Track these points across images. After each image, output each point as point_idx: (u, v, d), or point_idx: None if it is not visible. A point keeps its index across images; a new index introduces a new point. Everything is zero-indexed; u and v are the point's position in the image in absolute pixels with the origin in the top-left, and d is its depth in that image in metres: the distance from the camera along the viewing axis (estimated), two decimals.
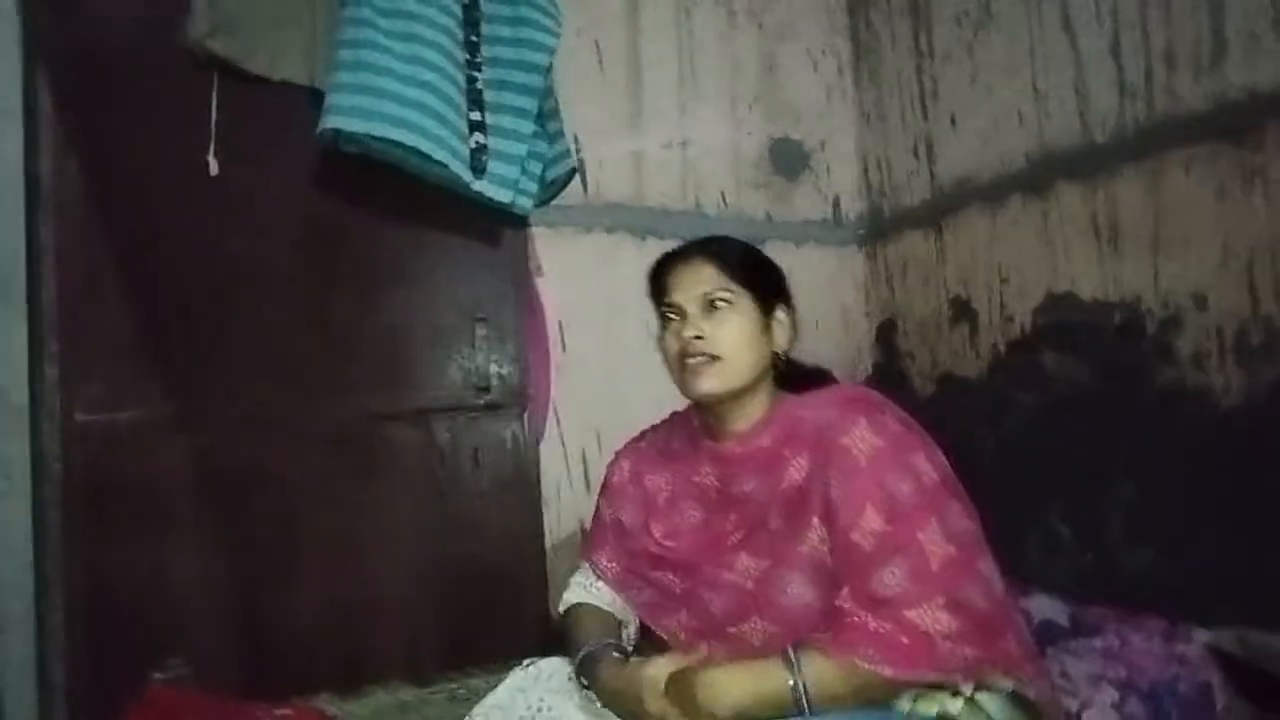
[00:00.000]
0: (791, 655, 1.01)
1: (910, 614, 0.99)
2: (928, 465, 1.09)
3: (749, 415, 1.19)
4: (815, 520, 1.08)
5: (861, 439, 1.08)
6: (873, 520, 1.04)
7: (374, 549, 1.94)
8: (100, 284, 1.78)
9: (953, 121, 2.26)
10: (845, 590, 1.03)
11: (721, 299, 1.16)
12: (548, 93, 2.05)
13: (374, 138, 1.77)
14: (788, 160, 2.50)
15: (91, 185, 1.78)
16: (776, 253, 2.34)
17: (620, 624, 1.25)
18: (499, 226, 2.07)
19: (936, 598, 0.99)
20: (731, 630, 1.13)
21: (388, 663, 1.89)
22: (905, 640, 0.98)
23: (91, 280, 1.77)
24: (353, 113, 1.76)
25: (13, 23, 1.71)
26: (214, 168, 1.84)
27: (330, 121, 1.75)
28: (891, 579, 1.01)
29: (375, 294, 2.00)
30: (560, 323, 2.17)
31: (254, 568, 1.84)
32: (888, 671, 0.97)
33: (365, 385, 1.97)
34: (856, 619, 1.00)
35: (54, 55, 1.76)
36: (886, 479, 1.06)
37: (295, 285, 1.94)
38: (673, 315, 1.20)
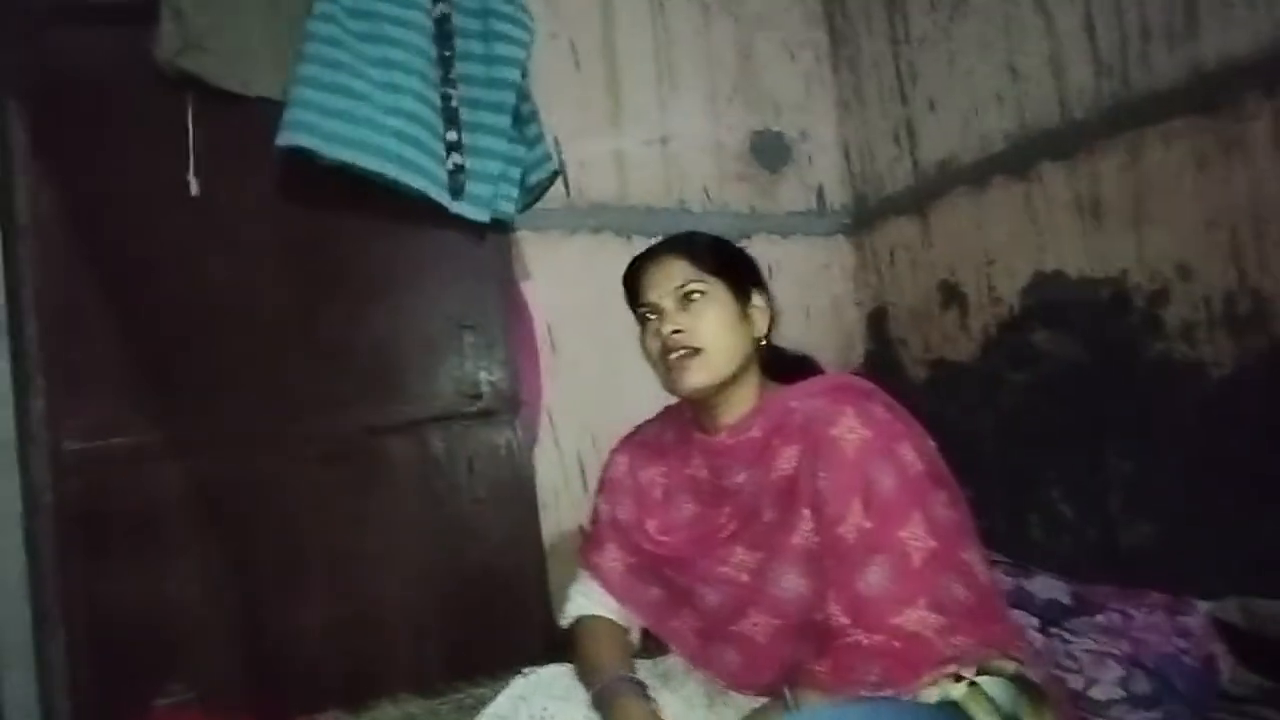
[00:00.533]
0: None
1: (898, 620, 0.99)
2: (913, 455, 1.09)
3: (738, 406, 1.19)
4: (805, 511, 1.09)
5: (850, 430, 1.08)
6: (858, 515, 1.04)
7: (374, 562, 1.93)
8: (83, 312, 1.76)
9: (932, 105, 2.26)
10: (832, 599, 1.03)
11: (695, 290, 1.16)
12: (524, 97, 2.04)
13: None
14: (769, 152, 2.49)
15: (70, 214, 1.76)
16: (763, 245, 2.41)
17: (627, 632, 1.25)
18: (483, 233, 2.05)
19: (919, 599, 0.99)
20: (734, 629, 1.12)
21: (393, 675, 1.88)
22: (899, 645, 0.98)
23: (74, 308, 1.75)
24: (331, 138, 1.76)
25: None
26: (194, 187, 1.83)
27: (294, 139, 1.74)
28: (875, 578, 1.01)
29: (361, 306, 1.98)
30: (549, 326, 2.16)
31: (254, 587, 1.83)
32: (892, 690, 0.96)
33: (357, 399, 1.96)
34: (849, 638, 1.00)
35: (24, 86, 1.74)
36: (872, 472, 1.06)
37: (281, 301, 1.92)
38: (650, 315, 1.20)
